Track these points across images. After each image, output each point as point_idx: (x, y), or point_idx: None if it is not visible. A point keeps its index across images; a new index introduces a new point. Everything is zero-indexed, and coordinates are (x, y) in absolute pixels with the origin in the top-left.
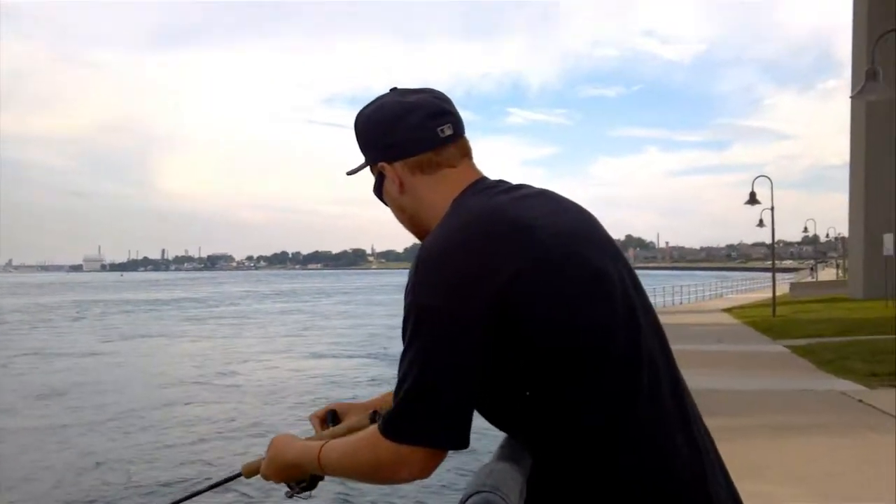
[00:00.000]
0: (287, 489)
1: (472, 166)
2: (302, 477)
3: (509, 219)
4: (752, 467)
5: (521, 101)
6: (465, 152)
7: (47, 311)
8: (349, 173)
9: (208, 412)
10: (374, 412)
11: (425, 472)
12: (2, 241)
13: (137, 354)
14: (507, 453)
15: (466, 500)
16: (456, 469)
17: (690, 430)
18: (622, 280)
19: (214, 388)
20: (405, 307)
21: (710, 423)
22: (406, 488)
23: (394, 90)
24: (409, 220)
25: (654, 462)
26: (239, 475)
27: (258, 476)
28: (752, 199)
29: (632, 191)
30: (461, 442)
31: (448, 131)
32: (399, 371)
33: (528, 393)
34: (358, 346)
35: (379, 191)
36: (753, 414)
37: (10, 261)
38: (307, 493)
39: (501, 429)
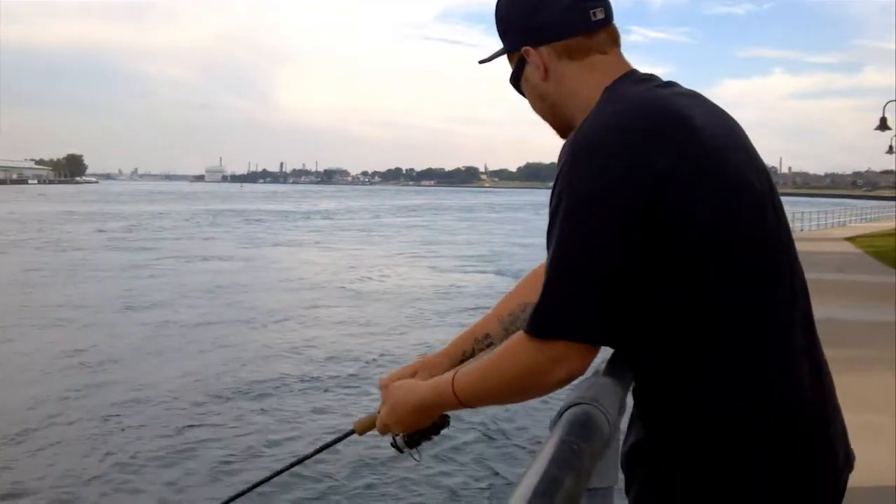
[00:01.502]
0: (401, 448)
1: (622, 56)
2: (428, 422)
3: (672, 112)
4: (865, 399)
5: (641, 19)
6: (615, 40)
7: (183, 219)
8: (482, 61)
9: (347, 316)
10: (488, 335)
11: (583, 368)
12: (129, 150)
13: (273, 261)
14: (608, 369)
15: (565, 410)
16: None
17: (818, 360)
18: (769, 195)
19: (350, 295)
20: (554, 195)
21: (828, 352)
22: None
23: None
24: (550, 109)
25: (775, 388)
26: (351, 432)
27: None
28: (883, 125)
29: (755, 113)
30: (615, 335)
31: (600, 15)
32: (548, 262)
33: (664, 293)
34: (483, 260)
35: (517, 79)
36: (872, 346)
37: (136, 169)
38: (430, 438)
39: (616, 341)
